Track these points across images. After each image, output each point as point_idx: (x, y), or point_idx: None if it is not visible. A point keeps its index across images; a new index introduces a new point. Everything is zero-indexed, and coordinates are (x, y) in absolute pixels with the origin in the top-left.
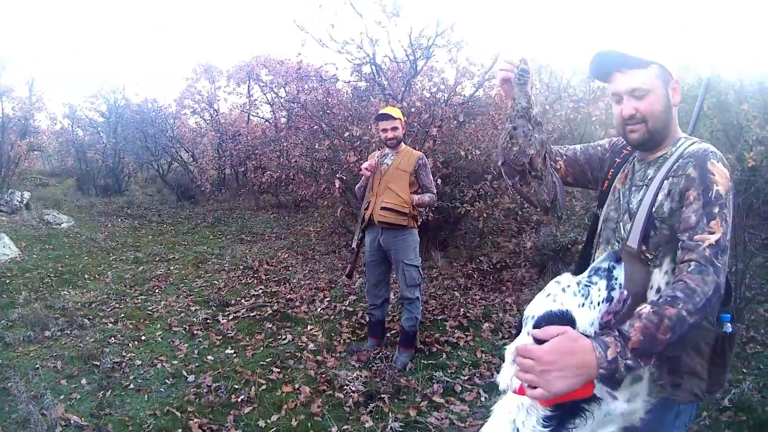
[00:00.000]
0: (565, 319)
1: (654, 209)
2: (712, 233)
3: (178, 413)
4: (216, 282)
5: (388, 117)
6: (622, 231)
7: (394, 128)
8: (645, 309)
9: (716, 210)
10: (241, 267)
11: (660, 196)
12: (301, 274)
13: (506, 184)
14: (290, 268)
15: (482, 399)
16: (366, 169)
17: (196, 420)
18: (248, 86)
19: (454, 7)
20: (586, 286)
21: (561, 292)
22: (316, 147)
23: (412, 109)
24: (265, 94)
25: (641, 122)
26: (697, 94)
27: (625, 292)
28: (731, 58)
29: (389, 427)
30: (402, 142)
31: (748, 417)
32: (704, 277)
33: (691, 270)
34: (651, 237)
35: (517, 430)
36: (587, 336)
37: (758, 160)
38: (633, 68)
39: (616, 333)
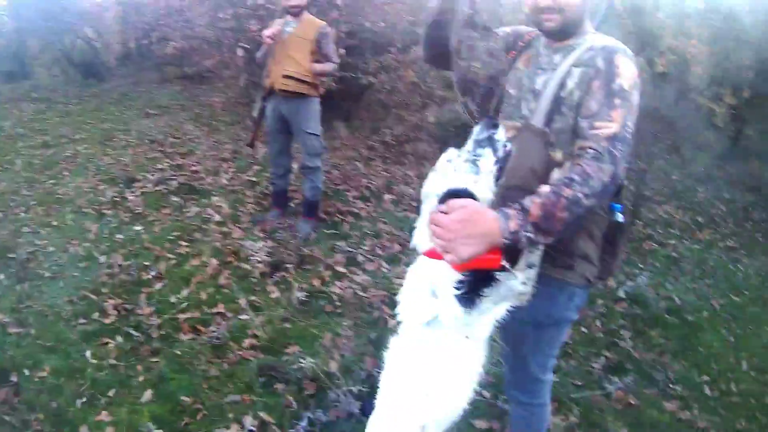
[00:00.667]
0: (465, 194)
1: (562, 93)
2: (611, 122)
3: (93, 296)
4: (123, 159)
5: None
6: (525, 109)
7: None
8: (545, 188)
9: (617, 101)
10: (147, 141)
11: (569, 83)
12: (206, 146)
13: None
14: (195, 140)
15: (384, 269)
16: (268, 37)
17: (110, 301)
18: None
19: None
20: (473, 160)
21: (453, 170)
22: (220, 16)
23: None
24: None
25: (558, 12)
26: None
27: (508, 146)
28: None
29: (294, 296)
30: (305, 11)
31: (642, 310)
32: (601, 165)
33: (589, 157)
34: (555, 121)
35: (434, 291)
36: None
37: (668, 67)
38: None
39: (518, 206)
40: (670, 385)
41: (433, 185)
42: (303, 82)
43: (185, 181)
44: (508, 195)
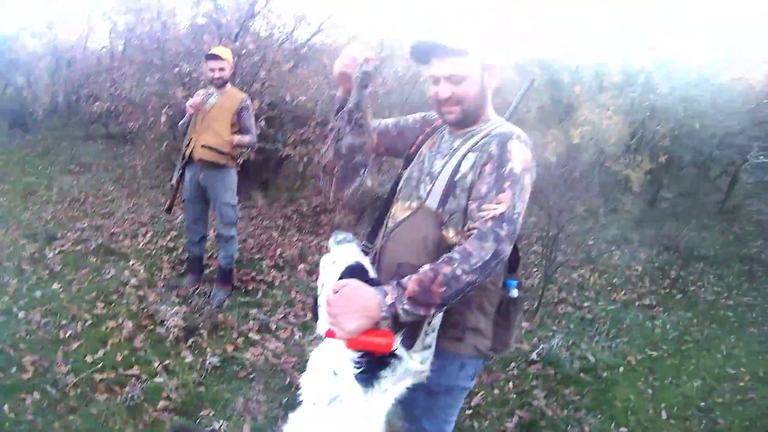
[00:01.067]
0: (358, 269)
1: (456, 177)
2: (499, 204)
3: (11, 351)
4: (44, 215)
5: (216, 57)
6: (422, 191)
7: (221, 69)
8: (425, 267)
9: (507, 185)
10: (69, 199)
11: (463, 167)
12: (125, 208)
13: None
14: (115, 201)
15: (296, 337)
16: (190, 106)
17: (28, 357)
18: (88, 12)
19: None
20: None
21: (346, 250)
22: (147, 80)
23: (244, 51)
24: (105, 21)
25: (457, 104)
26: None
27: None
28: (569, 45)
29: (208, 362)
30: (228, 83)
31: (556, 370)
32: (482, 243)
33: (472, 237)
34: (448, 202)
35: (335, 372)
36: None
37: (584, 138)
38: (450, 55)
39: (395, 282)
40: None
41: (323, 272)
42: (221, 153)
43: (104, 242)
44: (402, 272)
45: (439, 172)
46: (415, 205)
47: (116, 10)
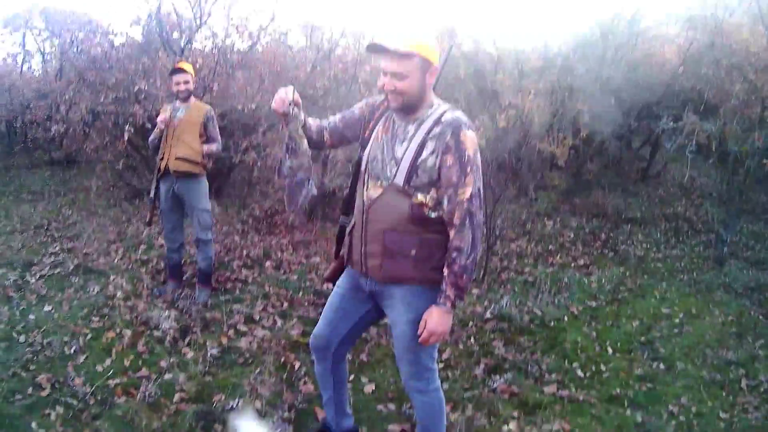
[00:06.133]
0: None
1: (418, 161)
2: (467, 187)
3: (23, 373)
4: (12, 244)
5: (181, 71)
6: (388, 172)
7: (186, 81)
8: (446, 271)
9: (468, 169)
10: (32, 227)
11: (425, 153)
12: (90, 229)
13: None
14: (78, 224)
15: (279, 324)
16: (161, 121)
17: (42, 376)
18: (23, 35)
19: None
20: None
21: None
22: (102, 100)
23: (195, 65)
24: (38, 44)
25: (399, 96)
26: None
27: None
28: (492, 35)
29: (209, 354)
30: (192, 96)
31: (509, 324)
32: (463, 233)
33: (455, 231)
34: (413, 180)
35: None
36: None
37: (509, 121)
38: (397, 57)
39: (444, 296)
40: (546, 374)
41: None
42: (194, 162)
43: (80, 262)
44: (387, 237)
45: (402, 157)
46: (385, 184)
47: (50, 31)
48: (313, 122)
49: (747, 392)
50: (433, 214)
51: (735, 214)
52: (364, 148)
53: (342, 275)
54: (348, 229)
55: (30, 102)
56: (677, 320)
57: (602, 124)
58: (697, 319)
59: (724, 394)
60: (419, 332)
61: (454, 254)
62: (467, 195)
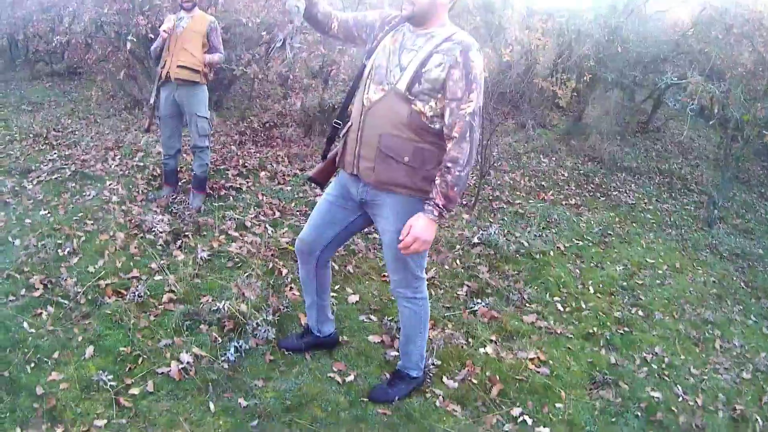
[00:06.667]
0: None
1: (423, 70)
2: (470, 102)
3: (17, 275)
4: (11, 152)
5: None
6: (392, 78)
7: None
8: (438, 181)
9: (473, 86)
10: (31, 135)
11: (430, 63)
12: (89, 137)
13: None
14: (77, 133)
15: (269, 231)
16: (164, 31)
17: (35, 277)
18: None
19: None
20: None
21: None
22: (105, 11)
23: None
24: None
25: (411, 4)
26: None
27: None
28: None
29: (199, 256)
30: (196, 6)
31: (495, 252)
32: (462, 145)
33: (454, 141)
34: (414, 87)
35: None
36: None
37: (514, 57)
38: None
39: (433, 204)
40: (526, 304)
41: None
42: (195, 71)
43: (77, 169)
44: (383, 140)
45: (408, 65)
46: (387, 88)
47: None
48: (323, 2)
49: (720, 353)
50: (431, 126)
51: (729, 179)
52: (369, 57)
53: (332, 183)
54: (343, 132)
55: (33, 14)
56: (660, 272)
57: (607, 70)
58: (681, 274)
59: (697, 350)
60: (401, 237)
61: (450, 164)
62: (470, 110)
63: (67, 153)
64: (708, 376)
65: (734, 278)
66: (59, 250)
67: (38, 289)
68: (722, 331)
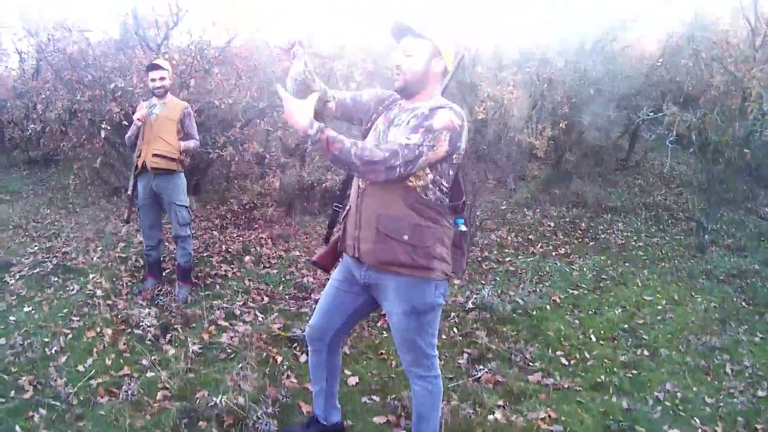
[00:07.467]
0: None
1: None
2: (408, 139)
3: (4, 376)
4: None
5: (158, 67)
6: None
7: (162, 78)
8: (342, 137)
9: (421, 130)
10: (11, 227)
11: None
12: (69, 228)
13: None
14: (56, 223)
15: (260, 318)
16: (138, 119)
17: (24, 378)
18: None
19: None
20: None
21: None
22: (78, 98)
23: (172, 62)
24: (14, 44)
25: (401, 73)
26: None
27: None
28: (470, 31)
29: (191, 350)
30: (168, 92)
31: (491, 314)
32: (380, 151)
33: (378, 145)
34: None
35: None
36: None
37: (488, 113)
38: (414, 36)
39: (321, 127)
40: (530, 363)
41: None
42: (171, 159)
43: (59, 262)
44: (381, 221)
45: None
46: None
47: (27, 30)
48: (320, 83)
49: (732, 377)
50: (425, 197)
51: (715, 202)
52: (363, 138)
53: (337, 268)
54: (342, 215)
55: (7, 101)
56: (660, 307)
57: (581, 114)
58: (680, 305)
59: (709, 379)
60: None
61: (359, 143)
62: (404, 142)
63: (47, 245)
64: (723, 402)
65: (734, 299)
66: (46, 349)
67: (28, 390)
68: (731, 355)
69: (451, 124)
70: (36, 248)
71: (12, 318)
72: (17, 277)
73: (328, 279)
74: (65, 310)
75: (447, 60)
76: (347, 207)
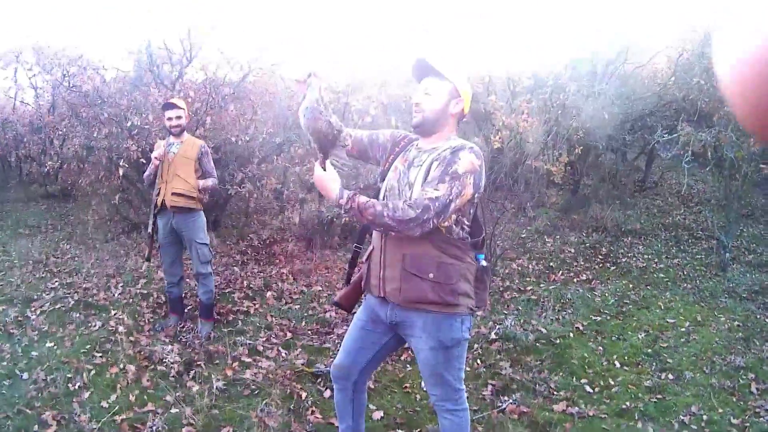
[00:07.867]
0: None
1: (425, 181)
2: (437, 190)
3: (28, 410)
4: (12, 279)
5: (173, 106)
6: (405, 197)
7: (179, 117)
8: (373, 201)
9: (447, 179)
10: (31, 262)
11: (431, 173)
12: (89, 263)
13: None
14: (76, 259)
15: (283, 354)
16: (156, 158)
17: (47, 413)
18: (14, 71)
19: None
20: None
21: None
22: (95, 135)
23: (188, 99)
24: (29, 79)
25: (420, 111)
26: None
27: None
28: (482, 58)
29: (214, 387)
30: (185, 131)
31: (515, 344)
32: (411, 209)
33: (408, 202)
34: None
35: None
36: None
37: (504, 142)
38: (434, 76)
39: (352, 194)
40: (554, 392)
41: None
42: (190, 197)
43: (80, 298)
44: (409, 259)
45: (414, 181)
46: None
47: (42, 67)
48: (336, 119)
49: (758, 396)
50: (451, 236)
51: (734, 219)
52: (382, 179)
53: (361, 307)
54: (365, 255)
55: (24, 136)
56: (683, 329)
57: (596, 138)
58: (703, 326)
59: (734, 399)
60: None
61: (390, 204)
62: (433, 195)
63: (68, 281)
64: (750, 422)
65: (758, 316)
66: (69, 384)
67: (51, 425)
68: (756, 373)
69: (473, 167)
70: (57, 284)
71: (34, 353)
72: (39, 312)
73: (351, 314)
74: (87, 346)
75: (465, 102)
76: (370, 248)
